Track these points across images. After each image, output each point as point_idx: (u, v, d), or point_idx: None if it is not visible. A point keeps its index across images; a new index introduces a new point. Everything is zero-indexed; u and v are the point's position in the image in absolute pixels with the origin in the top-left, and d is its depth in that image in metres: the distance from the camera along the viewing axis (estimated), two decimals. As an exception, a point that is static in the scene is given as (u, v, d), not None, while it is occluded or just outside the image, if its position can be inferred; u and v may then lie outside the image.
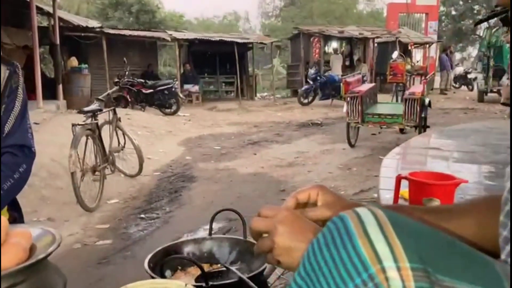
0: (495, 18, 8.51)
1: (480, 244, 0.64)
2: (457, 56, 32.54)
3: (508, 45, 13.15)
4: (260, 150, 7.62)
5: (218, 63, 17.62)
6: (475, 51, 32.26)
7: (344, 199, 0.76)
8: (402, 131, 8.17)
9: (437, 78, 18.33)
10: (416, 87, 7.83)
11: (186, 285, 0.95)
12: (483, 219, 0.67)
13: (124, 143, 5.46)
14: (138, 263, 3.52)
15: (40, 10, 11.56)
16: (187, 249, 1.30)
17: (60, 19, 11.97)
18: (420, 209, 0.73)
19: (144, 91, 11.75)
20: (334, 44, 17.95)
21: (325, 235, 0.48)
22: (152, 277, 1.14)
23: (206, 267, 1.22)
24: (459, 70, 19.99)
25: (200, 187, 5.46)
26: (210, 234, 1.30)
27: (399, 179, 1.56)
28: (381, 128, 7.60)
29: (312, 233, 0.61)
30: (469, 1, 32.09)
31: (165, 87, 11.78)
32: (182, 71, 15.48)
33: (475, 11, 31.94)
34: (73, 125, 4.45)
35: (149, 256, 1.19)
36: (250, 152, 7.47)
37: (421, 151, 3.46)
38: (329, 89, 13.37)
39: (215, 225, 3.97)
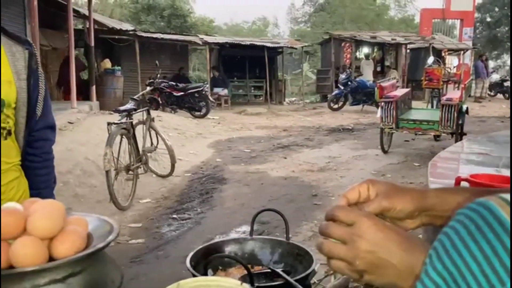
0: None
1: None
2: (492, 63, 31.73)
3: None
4: (290, 154, 7.53)
5: (248, 67, 17.63)
6: (511, 59, 31.31)
7: (399, 185, 0.68)
8: (436, 138, 7.95)
9: (472, 86, 17.86)
10: (454, 93, 7.61)
11: (241, 283, 0.90)
12: None
13: (157, 144, 5.47)
14: (171, 262, 3.50)
15: (76, 13, 11.81)
16: (229, 249, 1.26)
17: (95, 21, 12.19)
18: (486, 190, 0.66)
19: (175, 93, 11.84)
20: (366, 50, 17.71)
21: (467, 225, 0.40)
22: (194, 276, 1.08)
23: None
24: (495, 77, 19.41)
25: (231, 189, 5.41)
26: (251, 234, 1.24)
27: (458, 181, 1.46)
28: (416, 134, 7.40)
29: (399, 244, 0.53)
30: (505, 8, 31.23)
31: (196, 90, 11.85)
32: (211, 75, 15.56)
33: None
34: (109, 123, 4.48)
35: (191, 254, 1.13)
36: (280, 155, 7.39)
37: (467, 156, 3.31)
38: (360, 94, 13.16)
39: (246, 228, 3.93)
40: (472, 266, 0.38)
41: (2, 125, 1.31)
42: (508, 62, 34.11)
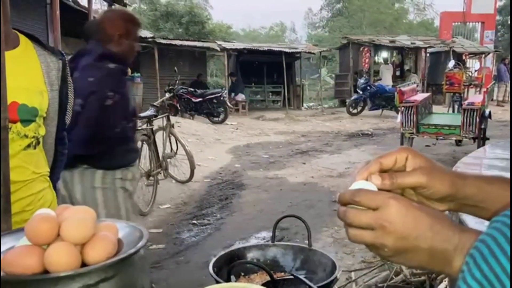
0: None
1: None
2: (514, 67, 31.16)
3: None
4: (309, 159, 7.50)
5: (266, 73, 17.68)
6: (534, 62, 30.69)
7: (440, 165, 0.63)
8: (458, 143, 7.83)
9: (495, 89, 17.54)
10: (476, 97, 7.49)
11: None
12: None
13: (177, 149, 5.52)
14: (191, 268, 3.50)
15: (97, 21, 12.02)
16: (251, 255, 1.26)
17: (115, 29, 12.38)
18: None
19: (193, 99, 11.93)
20: (384, 54, 17.58)
21: (504, 232, 0.39)
22: (217, 282, 1.09)
23: (270, 275, 1.16)
24: (518, 81, 19.05)
25: (250, 195, 5.42)
26: (273, 240, 1.25)
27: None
28: (437, 139, 7.30)
29: (430, 228, 0.51)
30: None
31: (214, 96, 11.93)
32: (230, 81, 15.65)
33: (534, 20, 30.46)
34: (130, 130, 4.53)
35: (213, 260, 1.14)
36: (299, 161, 7.37)
37: (490, 161, 3.26)
38: (380, 99, 13.06)
39: (266, 234, 3.92)
40: (502, 278, 0.37)
41: (33, 134, 1.33)
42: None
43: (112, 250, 0.65)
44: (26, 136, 1.31)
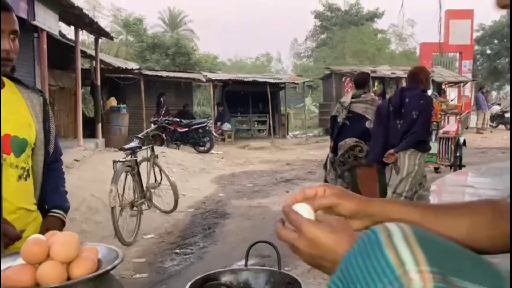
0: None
1: (469, 243, 0.71)
2: (494, 95, 32.02)
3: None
4: (293, 187, 7.65)
5: (251, 103, 17.99)
6: (512, 90, 31.61)
7: (351, 192, 0.81)
8: (436, 170, 8.07)
9: (474, 117, 18.01)
10: (451, 126, 7.77)
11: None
12: (477, 219, 0.75)
13: (161, 180, 5.63)
14: (174, 296, 3.54)
15: (83, 53, 12.24)
16: (225, 279, 1.37)
17: (101, 61, 12.61)
18: (420, 205, 0.82)
19: (179, 129, 12.09)
20: (366, 84, 18.04)
21: (360, 245, 0.56)
22: (192, 304, 1.21)
23: (243, 298, 1.28)
24: (496, 109, 19.63)
25: (233, 223, 5.52)
26: (246, 265, 1.34)
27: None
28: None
29: (336, 244, 0.67)
30: (504, 40, 31.80)
31: (200, 125, 12.12)
32: (215, 110, 15.88)
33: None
34: (114, 161, 4.66)
35: (189, 283, 1.26)
36: (283, 189, 7.51)
37: (455, 188, 3.45)
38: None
39: (249, 262, 4.02)
40: (357, 272, 0.54)
41: (23, 165, 1.48)
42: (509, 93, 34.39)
43: (92, 267, 0.80)
44: (17, 167, 1.45)
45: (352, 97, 4.73)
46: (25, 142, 1.49)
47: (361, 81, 4.91)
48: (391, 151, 4.12)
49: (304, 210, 0.76)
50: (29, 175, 1.53)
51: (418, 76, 4.30)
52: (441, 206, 0.83)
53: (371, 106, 4.57)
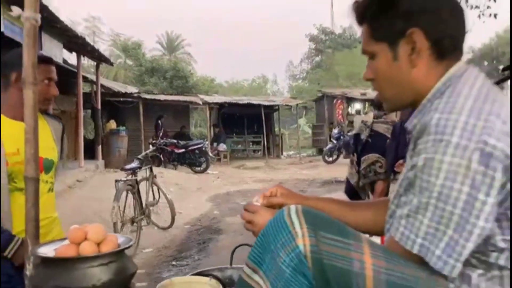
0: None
1: (372, 226, 1.19)
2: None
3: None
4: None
5: (246, 124, 18.51)
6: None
7: (295, 192, 1.32)
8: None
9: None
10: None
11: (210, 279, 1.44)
12: (377, 211, 1.20)
13: (159, 198, 6.03)
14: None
15: (84, 79, 12.73)
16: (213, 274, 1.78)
17: (102, 85, 13.10)
18: (334, 200, 1.29)
19: (176, 150, 12.53)
20: (357, 106, 18.61)
21: (272, 220, 0.99)
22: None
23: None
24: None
25: (227, 239, 5.90)
26: (230, 264, 1.71)
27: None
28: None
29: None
30: (494, 61, 32.62)
31: (196, 146, 12.56)
32: (212, 132, 16.36)
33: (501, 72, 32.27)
34: (116, 180, 5.07)
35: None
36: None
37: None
38: (353, 148, 13.81)
39: (236, 264, 4.40)
40: (269, 237, 0.97)
41: (50, 180, 1.91)
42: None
43: (115, 246, 1.21)
44: (46, 182, 1.88)
45: (374, 117, 5.01)
46: (52, 162, 1.92)
47: (381, 104, 5.32)
48: (401, 161, 4.38)
49: (258, 203, 1.30)
50: (52, 188, 1.95)
51: None
52: (356, 202, 1.32)
53: (391, 127, 4.89)
